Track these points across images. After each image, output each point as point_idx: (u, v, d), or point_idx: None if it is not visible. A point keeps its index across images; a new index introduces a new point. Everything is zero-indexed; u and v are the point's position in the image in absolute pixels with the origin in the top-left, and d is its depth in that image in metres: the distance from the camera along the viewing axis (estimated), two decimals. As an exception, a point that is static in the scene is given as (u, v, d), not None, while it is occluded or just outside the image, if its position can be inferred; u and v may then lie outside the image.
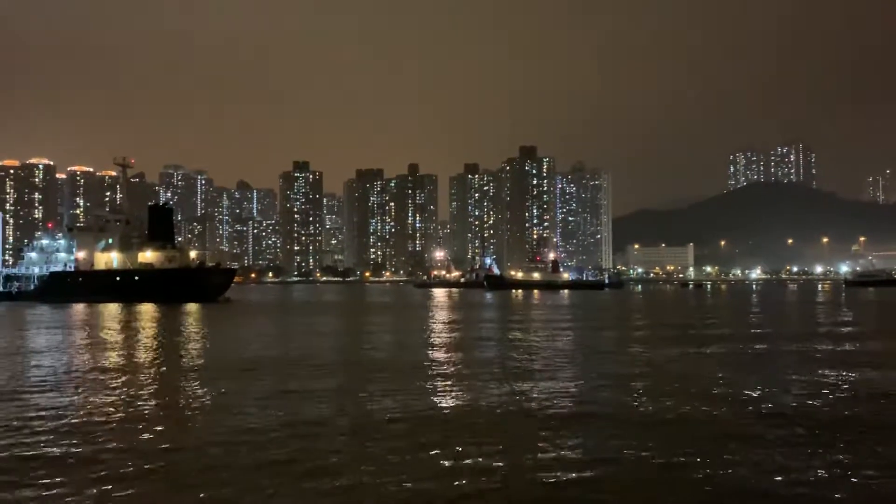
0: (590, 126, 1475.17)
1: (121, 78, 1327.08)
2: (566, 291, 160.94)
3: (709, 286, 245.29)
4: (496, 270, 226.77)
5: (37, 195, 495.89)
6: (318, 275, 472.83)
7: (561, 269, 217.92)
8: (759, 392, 21.42)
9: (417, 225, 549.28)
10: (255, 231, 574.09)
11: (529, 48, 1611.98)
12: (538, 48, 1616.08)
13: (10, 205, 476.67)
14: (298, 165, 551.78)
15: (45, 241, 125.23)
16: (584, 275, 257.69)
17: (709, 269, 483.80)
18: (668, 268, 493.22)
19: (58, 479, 12.74)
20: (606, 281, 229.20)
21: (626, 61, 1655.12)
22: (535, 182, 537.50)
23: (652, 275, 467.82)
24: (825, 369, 26.58)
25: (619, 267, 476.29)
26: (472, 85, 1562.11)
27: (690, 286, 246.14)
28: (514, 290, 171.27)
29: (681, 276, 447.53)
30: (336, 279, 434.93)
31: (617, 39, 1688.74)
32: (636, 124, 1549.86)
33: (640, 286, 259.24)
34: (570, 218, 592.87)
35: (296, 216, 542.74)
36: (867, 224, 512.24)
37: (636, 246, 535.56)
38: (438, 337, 42.14)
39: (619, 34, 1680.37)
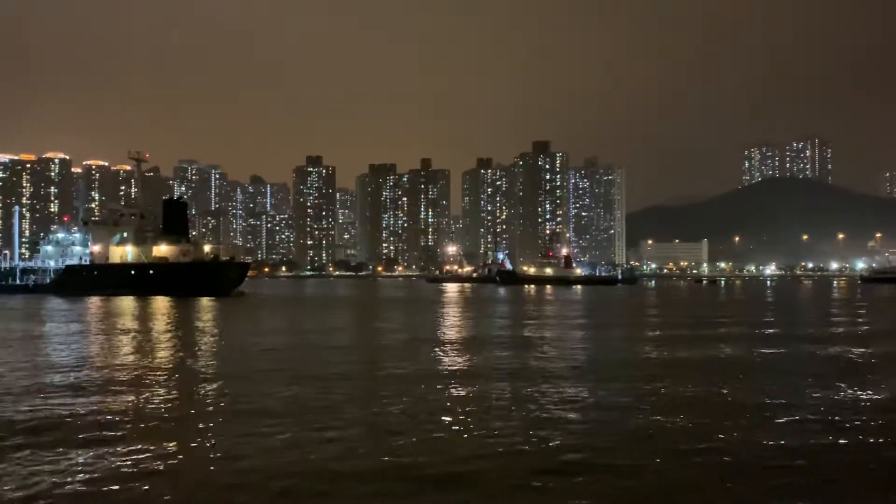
0: (591, 126, 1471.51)
1: (122, 77, 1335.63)
2: (579, 287, 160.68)
3: (722, 282, 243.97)
4: (509, 265, 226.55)
5: (53, 189, 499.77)
6: (331, 269, 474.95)
7: (574, 265, 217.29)
8: (768, 396, 21.28)
9: (430, 220, 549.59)
10: (269, 225, 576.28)
11: (530, 48, 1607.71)
12: (538, 48, 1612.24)
13: (27, 198, 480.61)
14: (312, 160, 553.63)
15: (60, 235, 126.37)
16: (597, 270, 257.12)
17: (723, 264, 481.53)
18: (681, 263, 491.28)
19: (55, 476, 12.87)
20: (619, 276, 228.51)
21: (626, 61, 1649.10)
22: (548, 177, 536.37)
23: (665, 270, 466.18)
24: (835, 371, 26.37)
25: (632, 262, 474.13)
26: (474, 85, 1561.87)
27: (704, 282, 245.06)
28: (526, 286, 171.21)
29: (694, 271, 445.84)
30: (349, 274, 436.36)
31: (617, 39, 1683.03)
32: (637, 124, 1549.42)
33: (653, 282, 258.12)
34: (583, 213, 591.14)
35: (309, 210, 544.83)
36: (883, 220, 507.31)
37: (650, 241, 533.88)
38: (450, 333, 42.15)
39: (619, 34, 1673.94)
